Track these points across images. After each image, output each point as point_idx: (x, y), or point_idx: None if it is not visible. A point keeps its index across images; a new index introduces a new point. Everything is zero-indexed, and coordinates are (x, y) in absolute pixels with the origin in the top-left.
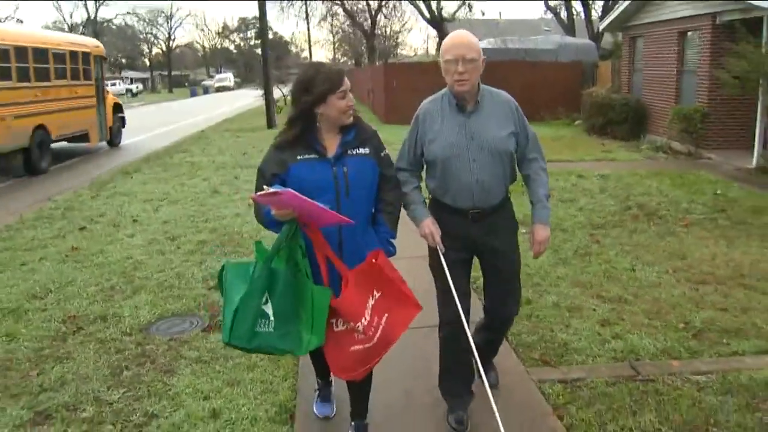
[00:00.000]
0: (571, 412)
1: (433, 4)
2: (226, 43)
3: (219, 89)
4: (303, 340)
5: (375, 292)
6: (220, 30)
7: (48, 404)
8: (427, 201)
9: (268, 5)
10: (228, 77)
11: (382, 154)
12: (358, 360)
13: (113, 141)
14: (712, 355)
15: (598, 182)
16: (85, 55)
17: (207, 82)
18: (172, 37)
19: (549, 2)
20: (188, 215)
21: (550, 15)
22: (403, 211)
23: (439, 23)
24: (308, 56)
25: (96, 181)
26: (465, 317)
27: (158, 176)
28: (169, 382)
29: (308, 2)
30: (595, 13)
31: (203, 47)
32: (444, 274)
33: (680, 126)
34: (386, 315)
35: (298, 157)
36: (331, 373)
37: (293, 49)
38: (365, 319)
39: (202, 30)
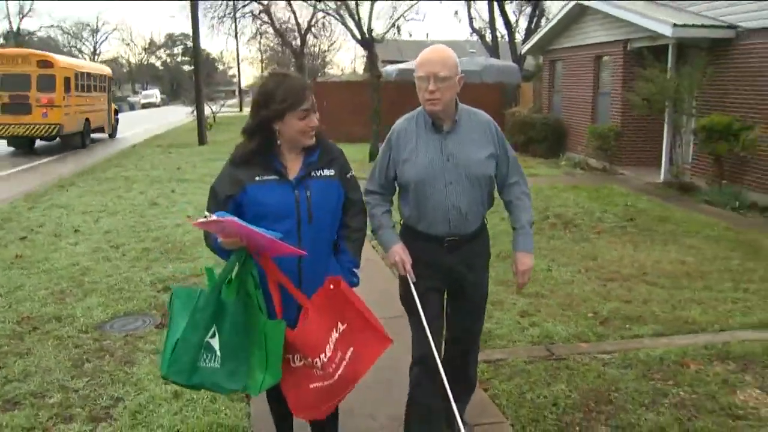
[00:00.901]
0: (494, 385)
1: (364, 25)
2: (153, 59)
3: (145, 106)
4: (257, 379)
5: (339, 325)
6: (147, 45)
7: (15, 393)
8: (398, 226)
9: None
10: (154, 94)
11: (348, 176)
12: (320, 398)
13: (113, 134)
14: (616, 338)
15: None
16: (104, 77)
17: (133, 99)
18: (98, 52)
19: (474, 25)
20: (129, 226)
21: (475, 37)
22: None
23: (370, 43)
24: (236, 74)
25: (31, 193)
26: (439, 353)
27: (93, 189)
28: (129, 371)
29: (239, 20)
30: (519, 36)
31: (129, 63)
32: (416, 306)
33: (596, 144)
34: (351, 349)
35: (257, 178)
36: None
37: (220, 66)
38: (325, 354)
39: (128, 45)
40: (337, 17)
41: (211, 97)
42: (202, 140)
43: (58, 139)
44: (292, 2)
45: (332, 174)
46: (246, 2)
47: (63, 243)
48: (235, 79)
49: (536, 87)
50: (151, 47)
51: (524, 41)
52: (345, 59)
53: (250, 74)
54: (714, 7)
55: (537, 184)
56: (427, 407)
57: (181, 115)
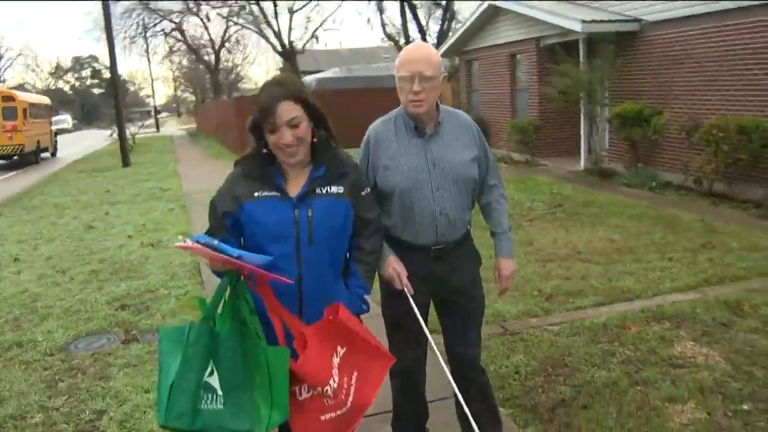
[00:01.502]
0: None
1: (284, 38)
2: (60, 84)
3: (57, 132)
4: (262, 416)
5: (339, 348)
6: (53, 70)
7: None
8: None
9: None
10: (66, 119)
11: (363, 194)
12: (333, 430)
13: (54, 153)
14: (562, 311)
15: None
16: (47, 106)
17: None
18: (1, 78)
19: (387, 31)
20: (70, 250)
21: (387, 43)
22: None
23: (291, 54)
24: (149, 94)
25: None
26: (422, 364)
27: (23, 218)
28: (106, 385)
29: (150, 39)
30: (431, 40)
31: (35, 88)
32: (402, 319)
33: (517, 138)
34: (355, 373)
35: (255, 194)
36: None
37: (131, 87)
38: (334, 380)
39: (34, 70)
40: (257, 31)
41: (127, 118)
42: (125, 162)
43: (16, 157)
44: (204, 19)
45: (341, 192)
46: (158, 21)
47: (5, 272)
48: (148, 100)
49: (454, 87)
50: (58, 71)
51: (437, 44)
52: (258, 73)
53: (162, 93)
54: (619, 3)
55: None
56: (412, 411)
57: (97, 139)
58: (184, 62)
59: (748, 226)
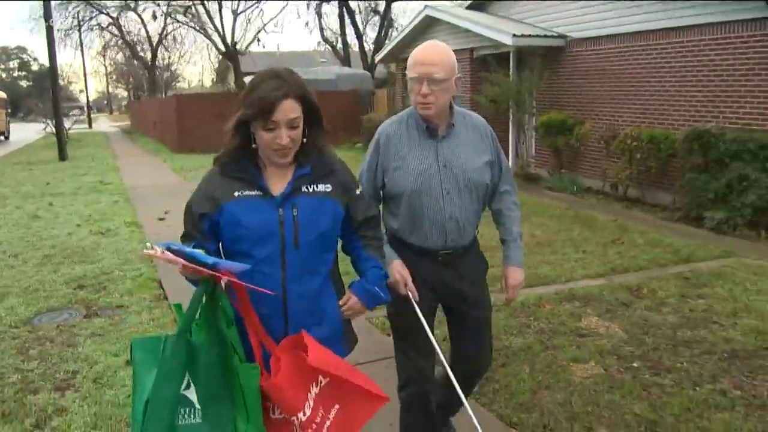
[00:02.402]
0: None
1: (228, 38)
2: None
3: None
4: (239, 431)
5: (321, 378)
6: None
7: None
8: None
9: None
10: None
11: (358, 192)
12: None
13: (8, 137)
14: None
15: None
16: (3, 99)
17: None
18: None
19: (325, 35)
20: (18, 237)
21: (323, 47)
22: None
23: (234, 55)
24: (78, 89)
25: None
26: (432, 375)
27: None
28: (75, 351)
29: (85, 33)
30: (368, 45)
31: None
32: (410, 326)
33: None
34: (336, 407)
35: (236, 194)
36: None
37: (61, 81)
38: (303, 413)
39: None
40: (201, 31)
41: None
42: (62, 156)
43: None
44: (142, 14)
45: (328, 190)
46: (94, 14)
47: None
48: (77, 95)
49: (390, 93)
50: None
51: (374, 50)
52: (193, 72)
53: (92, 89)
54: (548, 19)
55: None
56: (420, 424)
57: (27, 132)
58: (119, 58)
59: (655, 226)
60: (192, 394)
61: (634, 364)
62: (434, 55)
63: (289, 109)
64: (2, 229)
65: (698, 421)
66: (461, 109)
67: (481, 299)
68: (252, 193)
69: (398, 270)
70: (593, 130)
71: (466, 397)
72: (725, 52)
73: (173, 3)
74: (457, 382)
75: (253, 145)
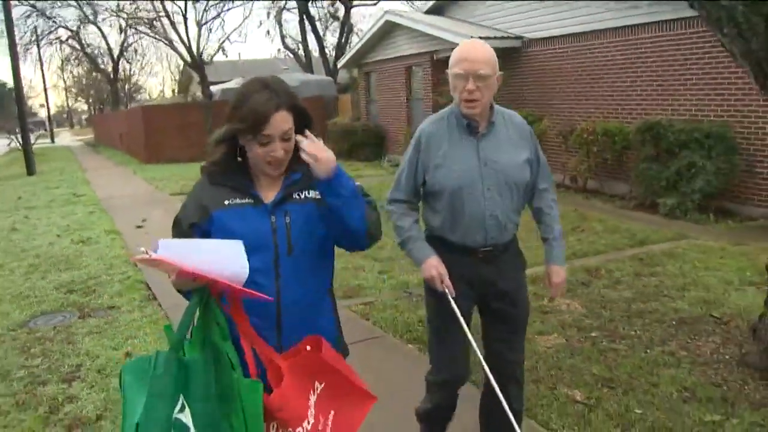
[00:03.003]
0: (373, 315)
1: (194, 49)
2: None
3: None
4: None
5: (317, 384)
6: None
7: None
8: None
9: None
10: None
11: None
12: None
13: None
14: None
15: None
16: None
17: None
18: None
19: (286, 43)
20: (1, 248)
21: (283, 54)
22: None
23: (200, 65)
24: (45, 103)
25: None
26: (467, 375)
27: None
28: (75, 348)
29: (44, 48)
30: (329, 51)
31: None
32: (446, 324)
33: None
34: (332, 413)
35: (226, 202)
36: None
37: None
38: (308, 422)
39: None
40: (166, 42)
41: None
42: (30, 171)
43: None
44: (102, 27)
45: (318, 196)
46: (54, 28)
47: None
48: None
49: (354, 98)
50: None
51: (336, 56)
52: (153, 83)
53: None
54: (505, 21)
55: (366, 183)
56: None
57: None
58: (79, 71)
59: (613, 214)
60: (187, 418)
61: (593, 334)
62: (479, 51)
63: (282, 122)
64: None
65: (648, 377)
66: (500, 107)
67: (519, 297)
68: (243, 201)
69: (435, 266)
70: (552, 126)
71: (511, 411)
72: (671, 48)
73: (135, 15)
74: (498, 381)
75: (239, 159)
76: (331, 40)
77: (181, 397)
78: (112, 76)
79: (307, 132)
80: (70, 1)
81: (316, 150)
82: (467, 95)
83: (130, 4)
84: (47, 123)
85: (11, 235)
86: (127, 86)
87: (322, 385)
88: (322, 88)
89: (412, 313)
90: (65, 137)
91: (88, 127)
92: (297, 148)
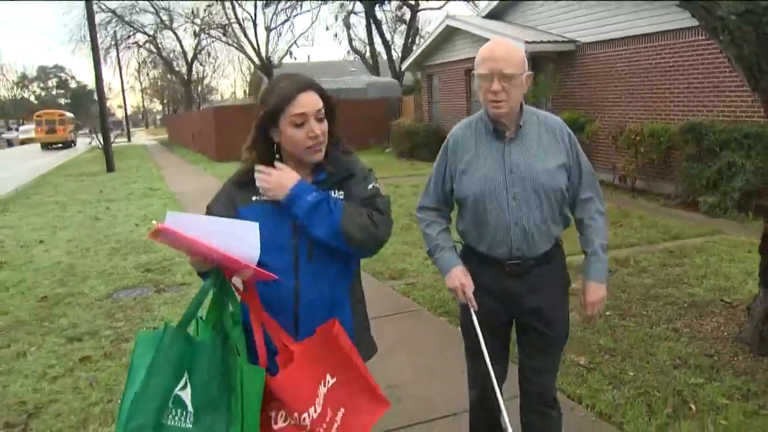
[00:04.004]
0: (413, 294)
1: (263, 53)
2: (26, 94)
3: (24, 141)
4: None
5: (328, 378)
6: (18, 80)
7: (74, 334)
8: (458, 246)
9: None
10: (33, 129)
11: (370, 187)
12: None
13: (74, 144)
14: None
15: (411, 189)
16: (71, 118)
17: (7, 135)
18: None
19: (354, 46)
20: (86, 235)
21: (353, 57)
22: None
23: (269, 68)
24: (122, 104)
25: None
26: (499, 390)
27: (30, 213)
28: (152, 314)
29: (122, 52)
30: (396, 54)
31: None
32: (472, 337)
33: None
34: (341, 411)
35: (254, 198)
36: None
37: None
38: (314, 409)
39: None
40: (237, 47)
41: (95, 129)
42: (110, 168)
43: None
44: (177, 32)
45: (341, 198)
46: (132, 33)
47: (35, 251)
48: (114, 110)
49: (417, 99)
50: (24, 81)
51: (402, 58)
52: (225, 85)
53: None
54: (560, 26)
55: (425, 181)
56: None
57: (57, 152)
58: (155, 74)
59: (654, 211)
60: (186, 396)
61: (607, 312)
62: (503, 50)
63: (313, 101)
64: (69, 229)
65: (648, 348)
66: (534, 109)
67: (553, 317)
68: (269, 200)
69: (458, 276)
70: (603, 127)
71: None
72: (715, 51)
73: (209, 21)
74: (523, 410)
75: (277, 156)
76: (398, 42)
77: (186, 375)
78: (186, 78)
79: (258, 167)
80: (148, 9)
81: (263, 181)
82: (492, 96)
83: (204, 10)
84: (124, 123)
85: (95, 224)
86: (200, 88)
87: (334, 380)
88: (387, 89)
89: (449, 293)
90: (141, 136)
91: (162, 127)
92: (329, 146)
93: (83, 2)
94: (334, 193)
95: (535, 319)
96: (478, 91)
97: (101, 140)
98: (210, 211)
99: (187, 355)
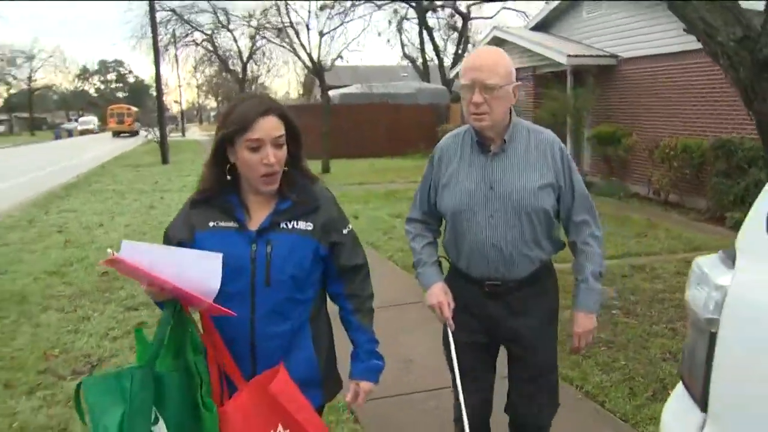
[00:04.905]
0: None
1: (314, 56)
2: (86, 86)
3: (83, 132)
4: None
5: (281, 428)
6: (80, 72)
7: (131, 304)
8: (443, 261)
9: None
10: (92, 121)
11: (345, 232)
12: None
13: (137, 133)
14: None
15: None
16: (136, 111)
17: (67, 126)
18: (33, 78)
19: (406, 51)
20: (143, 221)
21: (406, 62)
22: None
23: (320, 71)
24: (178, 99)
25: (35, 202)
26: (481, 415)
27: (91, 199)
28: None
29: (180, 49)
30: (447, 60)
31: (63, 89)
32: (459, 359)
33: None
34: None
35: (210, 224)
36: None
37: (154, 92)
38: None
39: (62, 71)
40: (291, 50)
41: (150, 123)
42: (165, 160)
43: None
44: (233, 31)
45: (309, 228)
46: (190, 31)
47: (96, 233)
48: (170, 105)
49: (462, 107)
50: (85, 74)
51: (452, 65)
52: (279, 84)
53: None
54: (603, 40)
55: None
56: None
57: (126, 140)
58: (210, 71)
59: (681, 224)
60: (162, 429)
61: (613, 311)
62: (487, 59)
63: (273, 127)
64: (127, 215)
65: (643, 342)
66: (527, 123)
67: (538, 343)
68: (228, 224)
69: (437, 294)
70: (639, 140)
71: None
72: None
73: (266, 24)
74: None
75: (228, 177)
76: (450, 49)
77: (154, 409)
78: (240, 76)
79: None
80: (206, 9)
81: (362, 396)
82: (474, 108)
83: (261, 13)
84: (179, 118)
85: (150, 211)
86: (254, 87)
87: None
88: (435, 96)
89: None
90: (194, 132)
91: (216, 123)
92: (290, 170)
93: (146, 1)
94: (297, 224)
95: (516, 344)
96: (462, 103)
97: (157, 134)
98: (167, 236)
99: (156, 389)
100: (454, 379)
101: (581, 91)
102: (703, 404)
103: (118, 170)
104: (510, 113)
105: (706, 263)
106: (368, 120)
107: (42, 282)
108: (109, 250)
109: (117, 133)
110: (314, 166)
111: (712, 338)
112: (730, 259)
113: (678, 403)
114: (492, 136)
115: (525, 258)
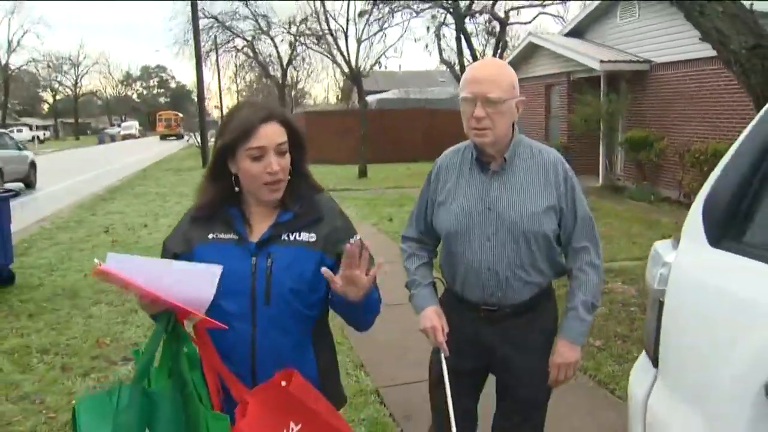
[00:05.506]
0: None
1: (352, 63)
2: (129, 92)
3: (125, 137)
4: None
5: (293, 425)
6: (123, 78)
7: None
8: (438, 282)
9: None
10: (133, 125)
11: (352, 241)
12: None
13: (182, 137)
14: None
15: None
16: (179, 116)
17: (110, 130)
18: (79, 85)
19: (444, 56)
20: None
21: (443, 67)
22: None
23: (358, 77)
24: (219, 104)
25: (82, 204)
26: None
27: (134, 201)
28: None
29: (221, 55)
30: None
31: (106, 95)
32: (441, 388)
33: None
34: None
35: (210, 236)
36: None
37: (195, 98)
38: None
39: (106, 77)
40: (330, 57)
41: (191, 128)
42: (205, 164)
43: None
44: (274, 38)
45: (311, 240)
46: (231, 38)
47: (141, 233)
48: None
49: None
50: (127, 80)
51: None
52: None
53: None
54: (636, 45)
55: None
56: None
57: (167, 144)
58: (251, 77)
59: None
60: None
61: (632, 309)
62: (489, 71)
63: (275, 133)
64: (170, 217)
65: None
66: (530, 140)
67: (532, 375)
68: (227, 236)
69: (430, 318)
70: (670, 145)
71: None
72: None
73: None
74: None
75: (236, 189)
76: (489, 55)
77: (147, 430)
78: (280, 82)
79: (356, 239)
80: (247, 16)
81: (354, 270)
82: (475, 123)
83: (300, 22)
84: (220, 123)
85: None
86: (293, 92)
87: (299, 426)
88: None
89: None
90: None
91: None
92: (294, 179)
93: (188, 8)
94: (299, 236)
95: (508, 373)
96: (463, 117)
97: (197, 138)
98: (165, 248)
99: (146, 409)
100: (438, 413)
101: (614, 96)
102: (654, 361)
103: (160, 174)
104: (513, 129)
105: (661, 246)
106: (405, 125)
107: (92, 278)
108: (95, 261)
109: (164, 136)
110: (351, 170)
111: (661, 307)
112: (677, 241)
113: (640, 362)
114: (493, 153)
115: (522, 283)
